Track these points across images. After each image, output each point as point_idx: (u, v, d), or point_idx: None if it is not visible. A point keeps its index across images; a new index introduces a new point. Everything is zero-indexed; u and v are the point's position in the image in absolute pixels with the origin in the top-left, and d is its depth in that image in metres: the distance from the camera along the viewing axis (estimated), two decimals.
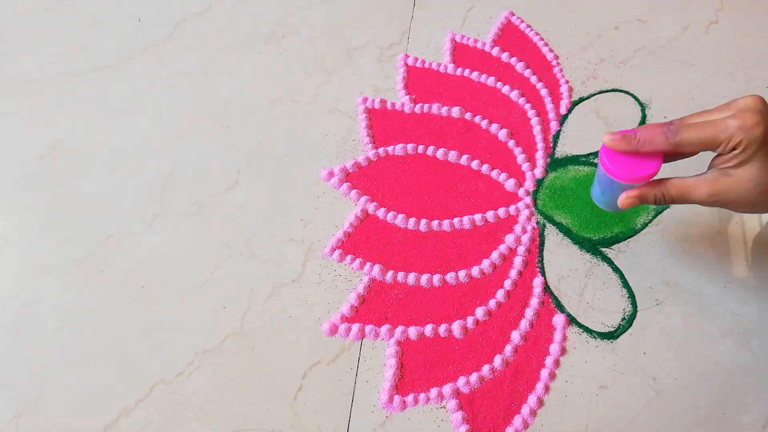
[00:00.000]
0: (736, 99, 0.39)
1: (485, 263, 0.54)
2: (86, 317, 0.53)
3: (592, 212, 0.56)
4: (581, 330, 0.51)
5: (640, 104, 0.63)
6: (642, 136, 0.40)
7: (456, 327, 0.51)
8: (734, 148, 0.37)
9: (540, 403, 0.48)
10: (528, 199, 0.58)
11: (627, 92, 0.64)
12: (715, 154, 0.40)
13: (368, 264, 0.54)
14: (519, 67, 0.66)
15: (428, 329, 0.51)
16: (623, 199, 0.42)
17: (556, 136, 0.62)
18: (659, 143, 0.39)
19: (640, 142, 0.40)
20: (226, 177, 0.60)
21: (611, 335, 0.51)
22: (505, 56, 0.67)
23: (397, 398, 0.48)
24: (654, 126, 0.40)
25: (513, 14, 0.70)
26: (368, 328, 0.51)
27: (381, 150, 0.61)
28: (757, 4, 0.70)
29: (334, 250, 0.55)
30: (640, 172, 0.41)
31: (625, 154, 0.41)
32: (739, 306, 0.52)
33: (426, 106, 0.64)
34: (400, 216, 0.57)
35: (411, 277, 0.54)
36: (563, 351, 0.50)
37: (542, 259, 0.55)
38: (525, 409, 0.48)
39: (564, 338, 0.51)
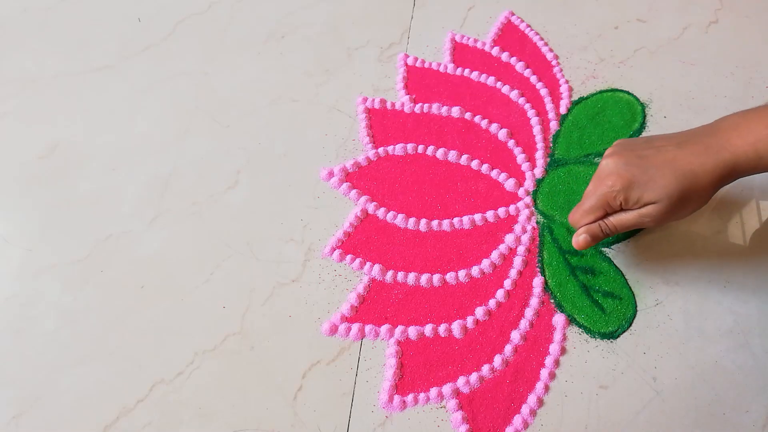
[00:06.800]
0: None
1: (485, 263, 0.54)
2: (86, 317, 0.53)
3: None
4: (581, 330, 0.51)
5: (640, 104, 0.63)
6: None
7: (456, 327, 0.51)
8: (623, 203, 0.45)
9: (540, 403, 0.48)
10: (528, 199, 0.58)
11: (627, 92, 0.64)
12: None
13: (368, 264, 0.54)
14: (519, 66, 0.66)
15: (428, 329, 0.51)
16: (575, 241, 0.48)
17: (556, 136, 0.62)
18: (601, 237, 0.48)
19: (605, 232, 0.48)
20: (226, 177, 0.60)
21: (611, 335, 0.51)
22: (505, 56, 0.67)
23: (397, 398, 0.48)
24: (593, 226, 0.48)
25: (513, 14, 0.70)
26: (368, 327, 0.51)
27: (381, 150, 0.61)
28: (757, 4, 0.70)
29: (334, 249, 0.55)
30: None
31: None
32: (739, 306, 0.52)
33: (426, 105, 0.64)
34: (400, 216, 0.57)
35: (411, 277, 0.54)
36: (563, 351, 0.50)
37: (542, 259, 0.55)
38: (525, 409, 0.48)
39: (564, 338, 0.51)
